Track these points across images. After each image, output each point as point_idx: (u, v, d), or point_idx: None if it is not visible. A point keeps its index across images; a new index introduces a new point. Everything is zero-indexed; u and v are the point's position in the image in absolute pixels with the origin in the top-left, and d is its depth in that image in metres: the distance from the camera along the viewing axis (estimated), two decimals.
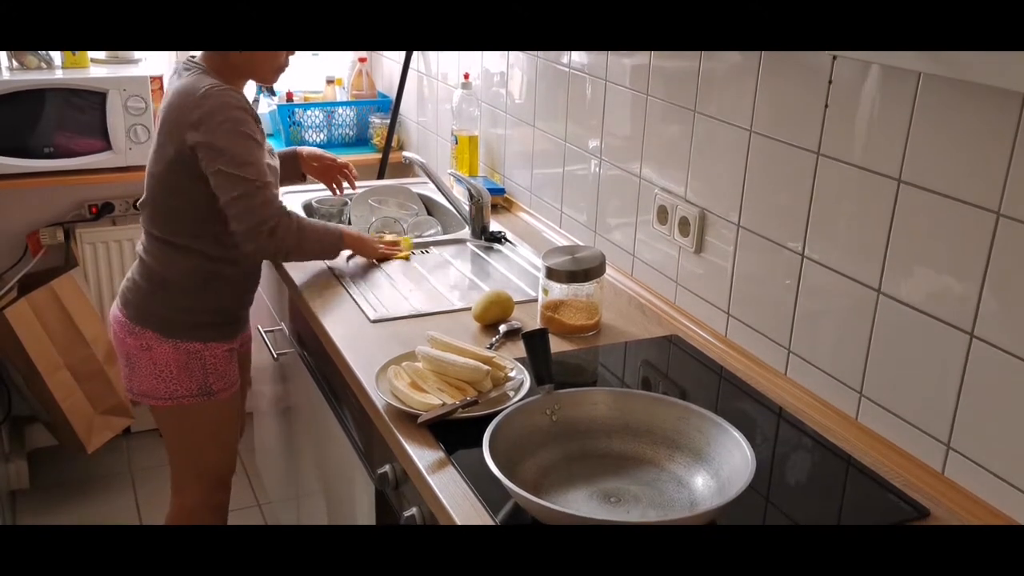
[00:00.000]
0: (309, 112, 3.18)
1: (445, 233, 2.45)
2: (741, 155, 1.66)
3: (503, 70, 2.53)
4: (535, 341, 1.45)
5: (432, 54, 2.98)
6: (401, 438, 1.45)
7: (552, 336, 1.54)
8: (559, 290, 1.80)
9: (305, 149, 2.35)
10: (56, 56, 2.91)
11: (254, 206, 1.88)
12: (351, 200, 2.47)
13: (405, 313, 1.88)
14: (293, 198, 2.52)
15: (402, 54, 3.06)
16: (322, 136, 3.22)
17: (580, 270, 1.77)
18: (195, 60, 1.96)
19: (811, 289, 1.55)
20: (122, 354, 2.07)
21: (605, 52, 2.05)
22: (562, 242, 2.26)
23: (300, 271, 2.09)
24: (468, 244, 2.32)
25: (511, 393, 1.53)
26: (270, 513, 2.94)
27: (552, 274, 1.78)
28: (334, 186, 2.37)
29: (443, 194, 2.52)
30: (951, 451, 1.33)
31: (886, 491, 1.36)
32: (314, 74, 3.35)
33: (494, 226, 2.35)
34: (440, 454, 1.41)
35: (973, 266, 1.26)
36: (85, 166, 2.80)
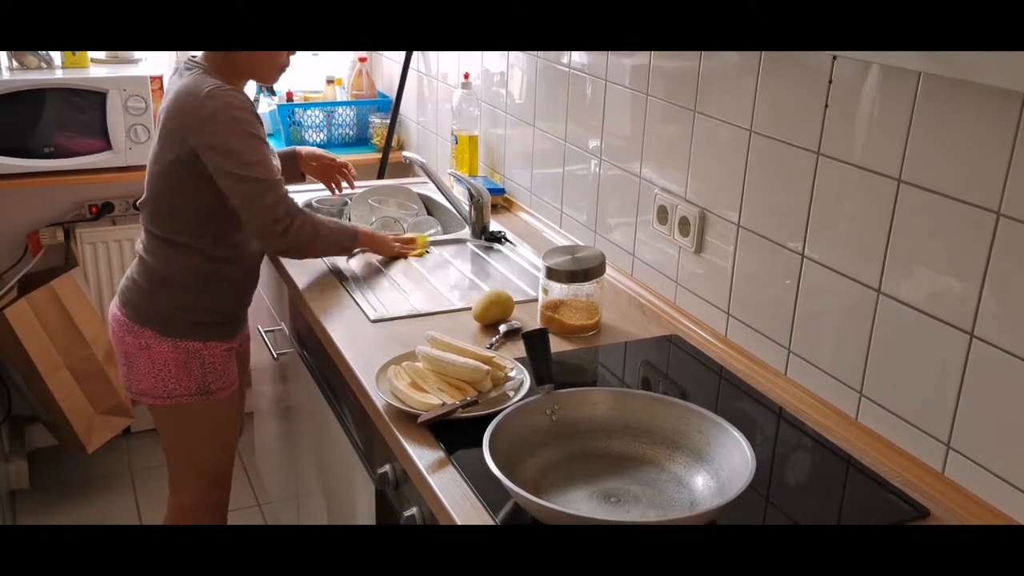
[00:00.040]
0: (309, 112, 3.18)
1: (445, 233, 2.45)
2: (741, 155, 1.66)
3: (503, 70, 2.53)
4: (535, 341, 1.45)
5: (432, 54, 2.98)
6: (401, 438, 1.45)
7: (552, 336, 1.54)
8: (559, 290, 1.80)
9: (304, 149, 2.35)
10: (56, 56, 2.91)
11: (267, 205, 1.89)
12: (351, 200, 2.47)
13: (405, 313, 1.88)
14: (293, 198, 2.52)
15: (402, 54, 3.06)
16: (322, 136, 3.22)
17: (580, 270, 1.77)
18: (196, 60, 1.96)
19: (811, 289, 1.55)
20: (120, 353, 2.07)
21: (605, 52, 2.05)
22: (562, 242, 2.26)
23: (301, 271, 2.09)
24: (468, 244, 2.32)
25: (511, 393, 1.53)
26: (270, 513, 2.94)
27: (552, 274, 1.78)
28: (333, 186, 2.37)
29: (443, 194, 2.52)
30: (951, 451, 1.33)
31: (886, 491, 1.36)
32: (314, 74, 3.36)
33: (494, 226, 2.35)
34: (440, 454, 1.41)
35: (973, 266, 1.26)
36: (85, 166, 2.80)
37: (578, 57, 2.16)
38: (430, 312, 1.89)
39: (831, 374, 1.53)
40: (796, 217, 1.56)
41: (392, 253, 2.17)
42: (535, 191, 2.44)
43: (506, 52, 2.49)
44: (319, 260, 2.13)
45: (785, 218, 1.58)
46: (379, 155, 3.10)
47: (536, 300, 1.88)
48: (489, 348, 1.69)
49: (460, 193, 2.48)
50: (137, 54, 3.07)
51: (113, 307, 2.08)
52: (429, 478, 1.35)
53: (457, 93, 2.65)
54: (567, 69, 2.20)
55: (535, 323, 1.84)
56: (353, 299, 1.94)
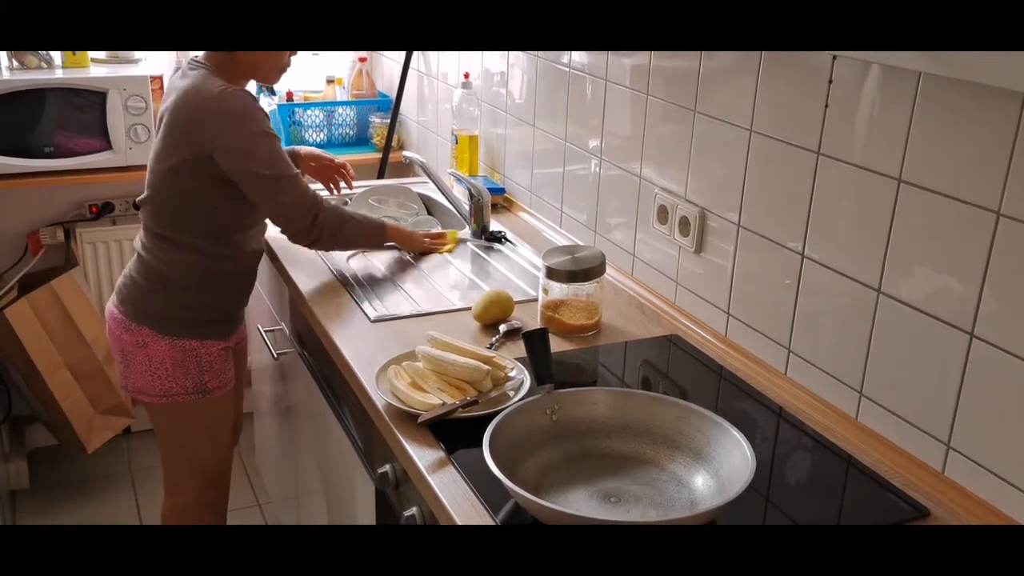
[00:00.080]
0: (309, 112, 3.18)
1: None
2: (741, 155, 1.66)
3: (503, 70, 2.53)
4: (535, 341, 1.45)
5: (432, 54, 2.98)
6: (401, 438, 1.45)
7: (552, 336, 1.54)
8: (559, 290, 1.80)
9: (303, 149, 2.36)
10: (56, 56, 2.91)
11: (292, 200, 1.94)
12: (350, 200, 2.48)
13: (405, 313, 1.89)
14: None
15: (402, 54, 3.06)
16: (322, 136, 3.22)
17: (580, 270, 1.77)
18: (199, 60, 1.96)
19: (811, 289, 1.55)
20: (117, 351, 2.07)
21: (605, 52, 2.05)
22: (562, 242, 2.26)
23: (301, 271, 2.09)
24: (468, 244, 2.32)
25: (511, 393, 1.53)
26: (270, 513, 2.94)
27: (552, 274, 1.78)
28: (331, 186, 2.38)
29: (443, 194, 2.52)
30: (951, 451, 1.33)
31: (886, 491, 1.36)
32: (314, 74, 3.35)
33: (494, 226, 2.35)
34: (440, 454, 1.41)
35: (973, 266, 1.26)
36: (85, 166, 2.80)
37: (578, 57, 2.16)
38: (430, 312, 1.89)
39: (831, 374, 1.53)
40: (796, 217, 1.56)
41: (422, 248, 2.20)
42: (535, 191, 2.44)
43: (506, 52, 2.49)
44: (319, 260, 2.14)
45: (785, 218, 1.58)
46: (379, 155, 3.10)
47: (536, 300, 1.88)
48: (489, 348, 1.69)
49: (460, 193, 2.48)
50: (137, 54, 3.07)
51: (110, 305, 2.08)
52: (429, 478, 1.35)
53: (457, 93, 2.65)
54: (567, 69, 2.20)
55: (535, 323, 1.84)
56: (353, 299, 1.95)
